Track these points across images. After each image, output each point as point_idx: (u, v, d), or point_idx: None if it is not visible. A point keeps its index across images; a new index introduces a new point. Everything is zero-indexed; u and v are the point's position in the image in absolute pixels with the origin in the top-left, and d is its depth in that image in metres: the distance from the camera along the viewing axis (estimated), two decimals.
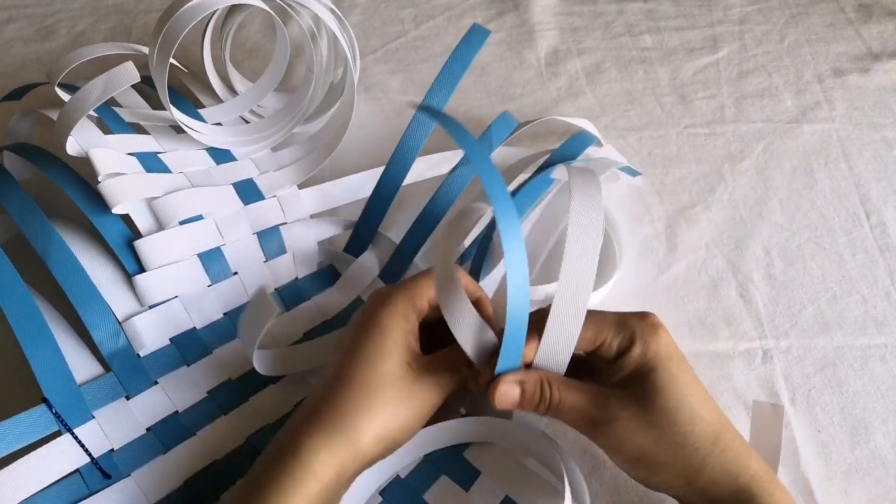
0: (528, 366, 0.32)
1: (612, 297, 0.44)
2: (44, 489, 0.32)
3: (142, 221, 0.39)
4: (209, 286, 0.41)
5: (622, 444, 0.31)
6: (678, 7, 0.67)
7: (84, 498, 0.33)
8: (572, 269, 0.30)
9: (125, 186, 0.39)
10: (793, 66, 0.60)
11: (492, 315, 0.35)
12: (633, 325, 0.32)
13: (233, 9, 0.50)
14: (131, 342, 0.37)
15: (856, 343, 0.43)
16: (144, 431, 0.36)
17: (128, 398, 0.36)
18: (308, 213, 0.47)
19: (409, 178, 0.44)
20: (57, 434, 0.34)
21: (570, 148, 0.47)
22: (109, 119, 0.43)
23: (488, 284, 0.41)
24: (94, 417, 0.35)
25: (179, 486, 0.35)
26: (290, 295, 0.44)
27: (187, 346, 0.39)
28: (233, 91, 0.53)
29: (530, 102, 0.58)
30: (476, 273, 0.41)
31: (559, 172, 0.43)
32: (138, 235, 0.39)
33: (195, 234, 0.41)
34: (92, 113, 0.41)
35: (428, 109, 0.32)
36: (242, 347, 0.37)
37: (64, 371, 0.34)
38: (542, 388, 0.31)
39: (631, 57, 0.62)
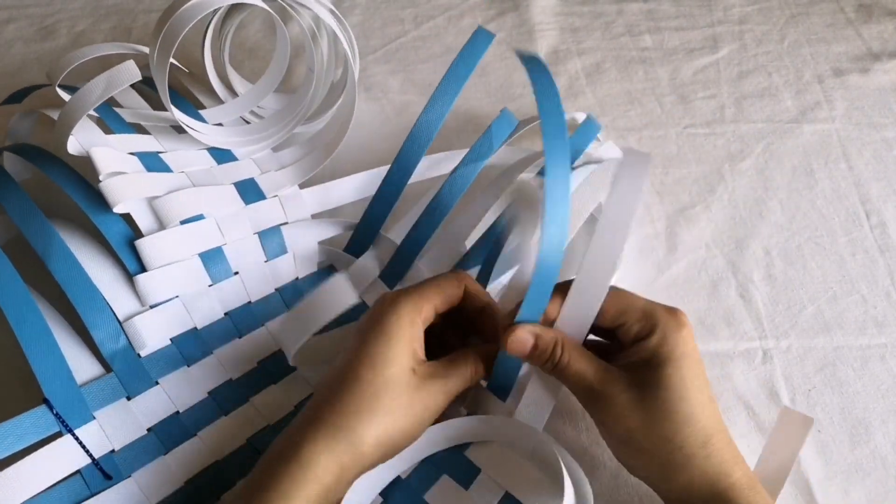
0: (551, 325, 0.33)
1: None
2: (45, 490, 0.32)
3: (143, 221, 0.39)
4: (210, 286, 0.41)
5: (614, 423, 0.32)
6: (678, 7, 0.67)
7: (85, 499, 0.33)
8: (605, 239, 0.31)
9: (126, 185, 0.39)
10: (793, 66, 0.60)
11: (498, 322, 0.35)
12: (659, 316, 0.32)
13: (233, 9, 0.50)
14: (132, 342, 0.37)
15: (856, 343, 0.43)
16: (145, 432, 0.36)
17: (129, 399, 0.36)
18: (309, 213, 0.47)
19: (411, 178, 0.44)
20: (58, 435, 0.34)
21: (578, 138, 0.46)
22: (110, 119, 0.43)
23: (495, 290, 0.41)
24: (94, 418, 0.35)
25: (180, 486, 0.35)
26: (291, 295, 0.44)
27: (188, 346, 0.39)
28: (233, 92, 0.53)
29: (530, 102, 0.58)
30: (483, 280, 0.41)
31: (609, 150, 0.43)
32: (139, 235, 0.39)
33: (196, 233, 0.41)
34: (92, 113, 0.41)
35: (521, 54, 0.32)
36: (279, 337, 0.36)
37: (64, 372, 0.34)
38: (554, 347, 0.32)
39: (631, 57, 0.62)
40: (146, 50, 0.48)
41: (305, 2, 0.44)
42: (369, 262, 0.44)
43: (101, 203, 0.38)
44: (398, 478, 0.36)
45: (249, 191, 0.45)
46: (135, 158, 0.42)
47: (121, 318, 0.37)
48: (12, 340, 0.33)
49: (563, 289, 0.33)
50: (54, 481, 0.33)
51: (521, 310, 0.32)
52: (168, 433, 0.36)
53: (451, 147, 0.50)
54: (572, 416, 0.39)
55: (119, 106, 0.47)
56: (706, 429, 0.31)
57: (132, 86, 0.46)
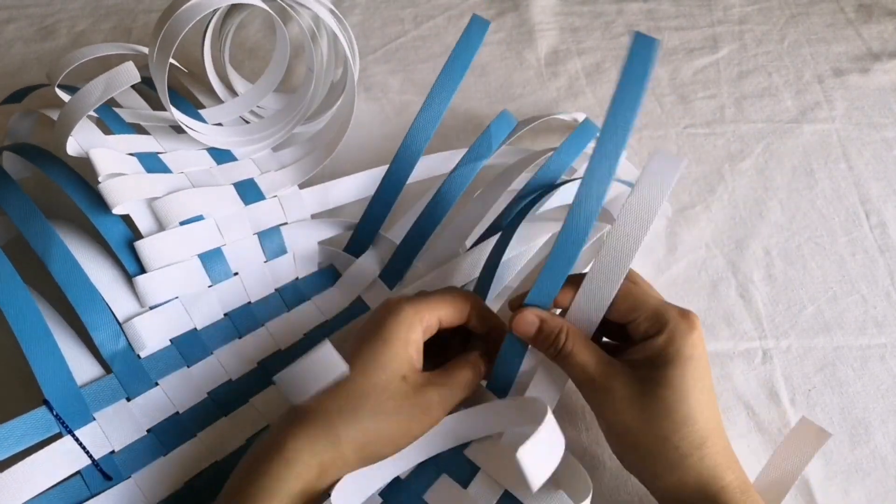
0: (563, 314, 0.34)
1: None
2: (45, 491, 0.32)
3: (142, 222, 0.39)
4: (210, 287, 0.41)
5: (611, 416, 0.32)
6: (678, 7, 0.67)
7: (85, 500, 0.33)
8: (623, 234, 0.31)
9: (125, 187, 0.39)
10: (793, 66, 0.60)
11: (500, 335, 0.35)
12: (669, 317, 0.32)
13: (233, 9, 0.50)
14: (132, 343, 0.37)
15: (856, 343, 0.43)
16: (145, 433, 0.36)
17: (128, 399, 0.36)
18: (309, 213, 0.47)
19: (410, 178, 0.44)
20: (58, 436, 0.34)
21: (576, 140, 0.46)
22: (110, 119, 0.43)
23: (494, 303, 0.41)
24: (94, 419, 0.35)
25: (180, 487, 0.35)
26: (291, 295, 0.44)
27: (188, 347, 0.39)
28: (232, 92, 0.53)
29: (530, 102, 0.58)
30: (483, 292, 0.40)
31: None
32: (139, 236, 0.39)
33: (196, 234, 0.41)
34: (92, 113, 0.41)
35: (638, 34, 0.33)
36: (283, 391, 0.33)
37: (64, 373, 0.34)
38: (559, 333, 0.33)
39: None
40: (146, 50, 0.48)
41: (305, 2, 0.44)
42: (369, 262, 0.44)
43: (101, 204, 0.38)
44: (398, 478, 0.36)
45: (249, 191, 0.45)
46: (134, 159, 0.42)
47: (120, 319, 0.37)
48: (12, 341, 0.33)
49: (576, 280, 0.33)
50: (54, 482, 0.33)
51: (532, 291, 0.33)
52: (168, 434, 0.36)
53: (451, 147, 0.50)
54: (573, 416, 0.39)
55: (119, 106, 0.47)
56: (703, 431, 0.31)
57: (132, 86, 0.46)
